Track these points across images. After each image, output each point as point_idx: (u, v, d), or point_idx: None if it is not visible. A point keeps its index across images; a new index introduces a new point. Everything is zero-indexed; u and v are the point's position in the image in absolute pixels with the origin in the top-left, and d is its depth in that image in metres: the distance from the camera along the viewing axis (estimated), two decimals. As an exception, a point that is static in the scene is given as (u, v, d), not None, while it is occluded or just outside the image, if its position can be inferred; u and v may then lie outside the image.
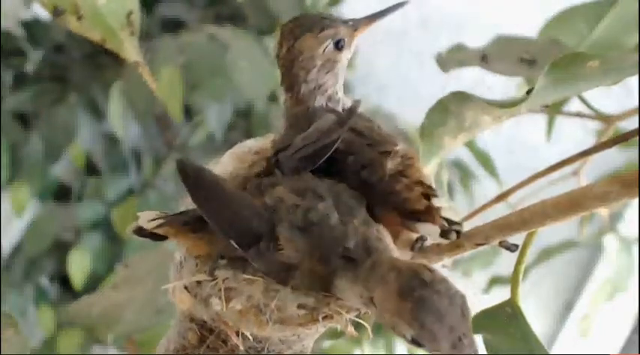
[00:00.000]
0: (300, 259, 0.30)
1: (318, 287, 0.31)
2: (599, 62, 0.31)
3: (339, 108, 0.36)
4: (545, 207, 0.29)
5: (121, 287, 0.43)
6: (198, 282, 0.32)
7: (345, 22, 0.36)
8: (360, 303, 0.30)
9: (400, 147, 0.33)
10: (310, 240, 0.30)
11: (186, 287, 0.33)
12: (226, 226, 0.31)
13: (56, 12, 0.37)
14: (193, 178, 0.31)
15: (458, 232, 0.31)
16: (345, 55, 0.36)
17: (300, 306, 0.32)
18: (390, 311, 0.27)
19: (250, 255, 0.31)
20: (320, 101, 0.35)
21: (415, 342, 0.27)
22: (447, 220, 0.31)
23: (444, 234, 0.31)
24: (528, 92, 0.32)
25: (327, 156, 0.33)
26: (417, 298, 0.26)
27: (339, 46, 0.35)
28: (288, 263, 0.30)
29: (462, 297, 0.27)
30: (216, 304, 0.32)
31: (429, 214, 0.31)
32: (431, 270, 0.27)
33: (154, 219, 0.32)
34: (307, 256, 0.30)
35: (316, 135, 0.33)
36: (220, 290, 0.32)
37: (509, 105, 0.32)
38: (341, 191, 0.32)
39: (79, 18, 0.37)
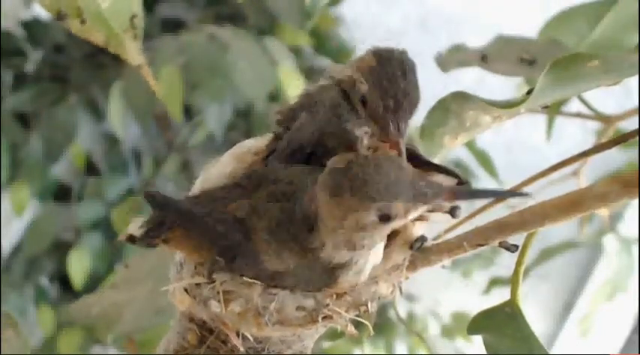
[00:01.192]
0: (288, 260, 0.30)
1: (318, 279, 0.31)
2: (599, 62, 0.31)
3: None
4: (545, 207, 0.29)
5: (120, 287, 0.43)
6: (197, 284, 0.32)
7: None
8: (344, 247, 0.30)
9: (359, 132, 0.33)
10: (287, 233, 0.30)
11: (185, 289, 0.33)
12: (208, 244, 0.31)
13: (59, 15, 0.37)
14: (164, 207, 0.31)
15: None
16: None
17: (299, 308, 0.32)
18: (344, 216, 0.28)
19: (237, 267, 0.31)
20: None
21: (384, 218, 0.28)
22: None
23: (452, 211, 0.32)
24: (529, 92, 0.32)
25: (308, 152, 0.33)
26: (348, 187, 0.27)
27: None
28: (274, 268, 0.31)
29: (389, 158, 0.29)
30: (215, 306, 0.32)
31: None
32: (344, 159, 0.28)
33: (140, 226, 0.32)
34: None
35: (291, 134, 0.33)
36: (219, 292, 0.32)
37: (509, 105, 0.32)
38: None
39: (82, 21, 0.37)
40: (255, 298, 0.31)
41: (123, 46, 0.38)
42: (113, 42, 0.38)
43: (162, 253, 0.40)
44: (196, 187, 0.34)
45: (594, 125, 0.67)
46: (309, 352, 0.35)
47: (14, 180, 1.16)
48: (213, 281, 0.32)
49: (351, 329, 0.33)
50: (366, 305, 0.33)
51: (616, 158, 0.91)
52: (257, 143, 0.35)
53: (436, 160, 0.37)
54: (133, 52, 0.38)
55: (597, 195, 0.28)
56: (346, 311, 0.32)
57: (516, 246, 0.33)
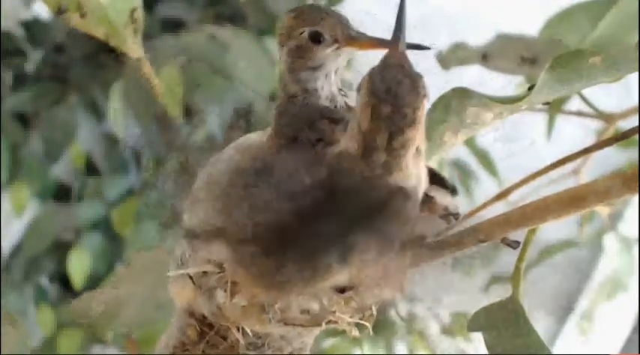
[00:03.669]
0: None
1: None
2: (600, 58, 0.32)
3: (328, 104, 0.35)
4: (547, 203, 0.29)
5: (121, 283, 0.43)
6: (204, 273, 0.32)
7: (344, 24, 0.35)
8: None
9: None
10: None
11: (191, 278, 0.33)
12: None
13: (60, 10, 0.37)
14: None
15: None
16: (324, 51, 0.34)
17: (303, 311, 0.32)
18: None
19: None
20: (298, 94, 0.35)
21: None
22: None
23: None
24: (530, 88, 0.32)
25: None
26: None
27: (316, 39, 0.34)
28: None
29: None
30: (221, 297, 0.31)
31: None
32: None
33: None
34: None
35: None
36: (227, 282, 0.31)
37: (510, 101, 0.32)
38: None
39: (82, 15, 0.37)
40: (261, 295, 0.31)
41: (123, 40, 0.38)
42: (114, 36, 0.37)
43: (162, 250, 0.40)
44: (200, 183, 0.34)
45: (595, 125, 0.67)
46: (308, 348, 0.35)
47: (14, 180, 1.16)
48: (223, 271, 0.31)
49: (355, 332, 0.33)
50: (371, 309, 0.33)
51: (616, 159, 0.91)
52: (258, 136, 0.35)
53: (436, 158, 0.37)
54: (133, 46, 0.38)
55: (599, 191, 0.28)
56: (351, 317, 0.32)
57: (518, 243, 0.33)
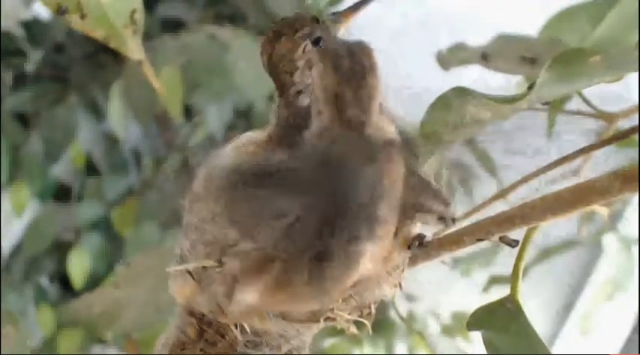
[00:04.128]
0: None
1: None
2: (601, 58, 0.32)
3: None
4: (547, 201, 0.29)
5: (122, 284, 0.43)
6: (204, 268, 0.32)
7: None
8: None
9: None
10: None
11: (191, 274, 0.33)
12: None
13: (59, 11, 0.37)
14: None
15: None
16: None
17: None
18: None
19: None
20: (305, 101, 0.35)
21: None
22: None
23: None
24: (530, 87, 0.32)
25: None
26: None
27: (318, 43, 0.34)
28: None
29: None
30: (220, 293, 0.31)
31: None
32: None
33: None
34: None
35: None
36: (226, 278, 0.31)
37: (510, 101, 0.32)
38: None
39: (82, 16, 0.37)
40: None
41: (123, 41, 0.38)
42: (114, 37, 0.38)
43: (163, 251, 0.40)
44: (198, 183, 0.34)
45: (595, 126, 0.67)
46: (307, 347, 0.35)
47: (14, 180, 1.16)
48: (222, 266, 0.31)
49: (353, 329, 0.33)
50: (369, 308, 0.33)
51: (617, 160, 0.91)
52: (257, 135, 0.36)
53: (436, 157, 0.37)
54: (133, 48, 0.38)
55: (598, 189, 0.28)
56: (349, 314, 0.32)
57: (517, 241, 0.33)
